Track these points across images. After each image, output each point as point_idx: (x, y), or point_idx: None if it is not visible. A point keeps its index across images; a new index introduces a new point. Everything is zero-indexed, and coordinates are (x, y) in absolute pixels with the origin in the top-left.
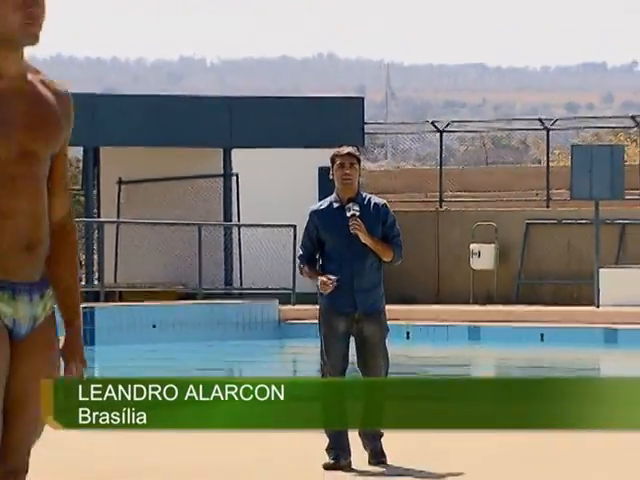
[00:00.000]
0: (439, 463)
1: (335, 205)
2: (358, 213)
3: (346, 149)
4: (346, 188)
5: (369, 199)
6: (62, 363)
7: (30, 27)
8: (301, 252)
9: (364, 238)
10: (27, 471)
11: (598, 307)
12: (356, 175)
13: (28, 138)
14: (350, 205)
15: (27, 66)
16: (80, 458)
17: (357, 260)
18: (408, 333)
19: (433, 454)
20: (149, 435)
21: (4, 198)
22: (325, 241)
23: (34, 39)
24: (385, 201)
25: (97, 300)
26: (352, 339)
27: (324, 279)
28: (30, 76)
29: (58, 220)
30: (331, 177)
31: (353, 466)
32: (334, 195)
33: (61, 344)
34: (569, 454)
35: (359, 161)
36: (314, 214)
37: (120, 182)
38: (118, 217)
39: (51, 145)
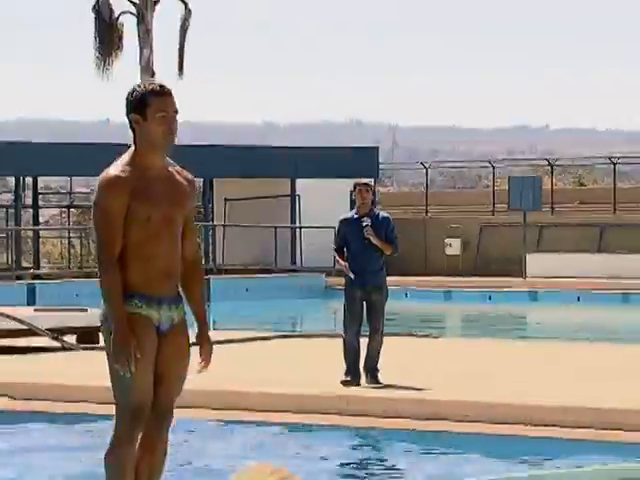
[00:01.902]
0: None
1: (355, 217)
2: (370, 224)
3: (363, 181)
4: (363, 206)
5: (378, 214)
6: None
7: (169, 136)
8: (334, 246)
9: (373, 240)
10: (172, 414)
11: (525, 278)
12: (369, 198)
13: (169, 208)
14: (365, 218)
15: (167, 161)
16: None
17: (368, 253)
18: (406, 294)
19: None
20: None
21: (153, 246)
22: (348, 240)
23: (172, 143)
24: (389, 215)
25: (212, 273)
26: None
27: (345, 266)
28: (169, 168)
29: (190, 254)
30: (353, 198)
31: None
32: (355, 210)
33: (194, 336)
34: None
35: (372, 188)
36: (342, 222)
37: (226, 200)
38: (225, 222)
39: (183, 212)
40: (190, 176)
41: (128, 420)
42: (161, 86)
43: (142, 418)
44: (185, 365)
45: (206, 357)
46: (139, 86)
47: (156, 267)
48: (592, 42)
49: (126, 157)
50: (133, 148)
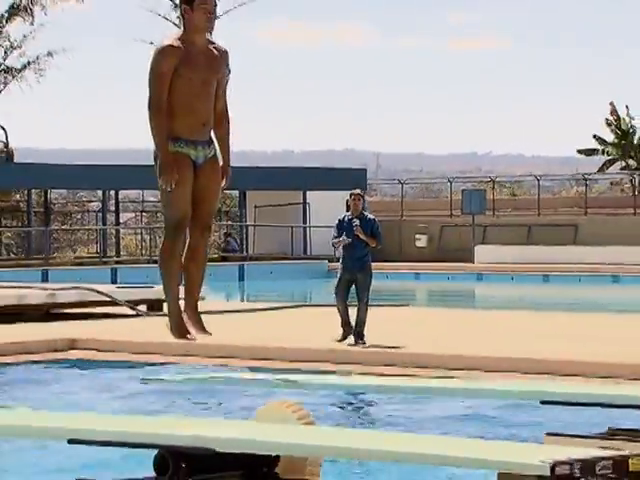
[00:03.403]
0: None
1: (348, 218)
2: (359, 224)
3: (356, 191)
4: (355, 210)
5: (366, 215)
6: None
7: (209, 21)
8: (333, 239)
9: (361, 235)
10: (211, 228)
11: (474, 263)
12: (360, 204)
13: (206, 73)
14: (355, 220)
15: (207, 39)
16: None
17: (356, 245)
18: (387, 276)
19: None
20: None
21: (193, 101)
22: (343, 235)
23: (212, 26)
24: (374, 217)
25: (246, 260)
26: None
27: (342, 239)
28: (209, 45)
29: (219, 111)
30: (348, 204)
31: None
32: (349, 213)
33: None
34: None
35: (362, 198)
36: (338, 222)
37: (255, 207)
38: (254, 222)
39: (217, 76)
40: (224, 48)
41: (172, 230)
42: None
43: (182, 228)
44: (216, 187)
45: (225, 179)
46: None
47: (195, 118)
48: (521, 86)
49: (177, 34)
50: (183, 29)
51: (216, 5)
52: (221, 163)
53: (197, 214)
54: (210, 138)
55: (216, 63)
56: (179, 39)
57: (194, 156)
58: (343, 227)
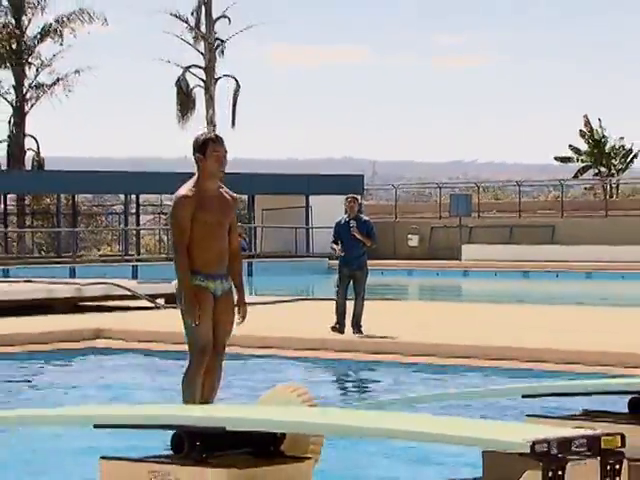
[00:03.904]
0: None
1: (346, 220)
2: (355, 225)
3: (351, 196)
4: (351, 212)
5: (362, 217)
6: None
7: (220, 169)
8: (332, 239)
9: (357, 235)
10: (225, 350)
11: (461, 260)
12: (356, 207)
13: (220, 216)
14: (352, 221)
15: (219, 184)
16: None
17: (353, 245)
18: (382, 272)
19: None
20: None
21: (210, 241)
22: (341, 236)
23: (222, 174)
24: (369, 219)
25: (254, 258)
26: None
27: (337, 249)
28: (220, 189)
29: (233, 248)
30: (345, 207)
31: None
32: (346, 215)
33: (235, 299)
34: None
35: (357, 200)
36: (336, 224)
37: (262, 210)
38: (262, 224)
39: (229, 219)
40: (234, 195)
41: (198, 355)
42: (216, 135)
43: (207, 352)
44: (232, 317)
45: (243, 314)
46: (201, 135)
47: (212, 255)
48: (503, 101)
49: (191, 182)
50: (197, 176)
51: (226, 152)
52: (236, 298)
53: (214, 336)
54: (226, 272)
55: (228, 207)
56: (194, 187)
57: (212, 289)
58: (341, 228)
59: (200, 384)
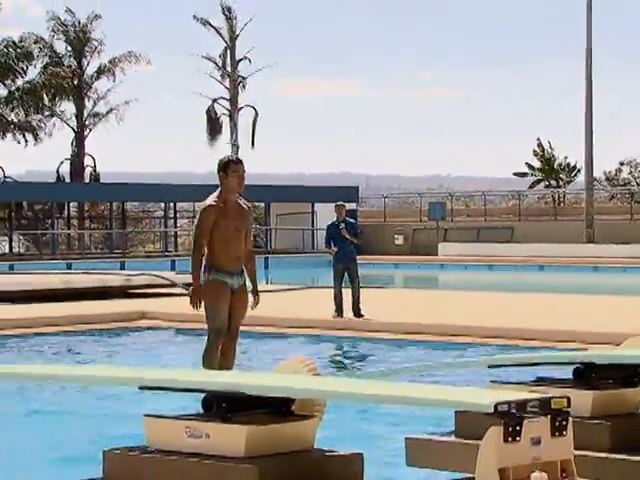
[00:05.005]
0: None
1: (336, 223)
2: (343, 227)
3: (340, 203)
4: (340, 216)
5: (349, 220)
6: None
7: (239, 186)
8: (325, 242)
9: (346, 235)
10: (238, 335)
11: (438, 256)
12: (343, 211)
13: (238, 222)
14: (341, 224)
15: (237, 197)
16: None
17: (344, 243)
18: (373, 265)
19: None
20: None
21: (229, 243)
22: (333, 235)
23: (241, 189)
24: (354, 221)
25: (269, 254)
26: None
27: (331, 249)
28: (239, 200)
29: (248, 250)
30: (335, 212)
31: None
32: (336, 218)
33: (250, 291)
34: None
35: (344, 207)
36: (328, 226)
37: (277, 215)
38: (276, 226)
39: (245, 225)
40: (249, 205)
41: (214, 336)
42: (236, 157)
43: (221, 335)
44: (245, 308)
45: (257, 301)
46: (224, 157)
47: (230, 255)
48: (472, 125)
49: (215, 194)
50: (220, 190)
51: (244, 171)
52: (251, 288)
53: (230, 324)
54: (242, 269)
55: (245, 215)
56: (217, 198)
57: (230, 283)
58: (332, 230)
59: (217, 358)
